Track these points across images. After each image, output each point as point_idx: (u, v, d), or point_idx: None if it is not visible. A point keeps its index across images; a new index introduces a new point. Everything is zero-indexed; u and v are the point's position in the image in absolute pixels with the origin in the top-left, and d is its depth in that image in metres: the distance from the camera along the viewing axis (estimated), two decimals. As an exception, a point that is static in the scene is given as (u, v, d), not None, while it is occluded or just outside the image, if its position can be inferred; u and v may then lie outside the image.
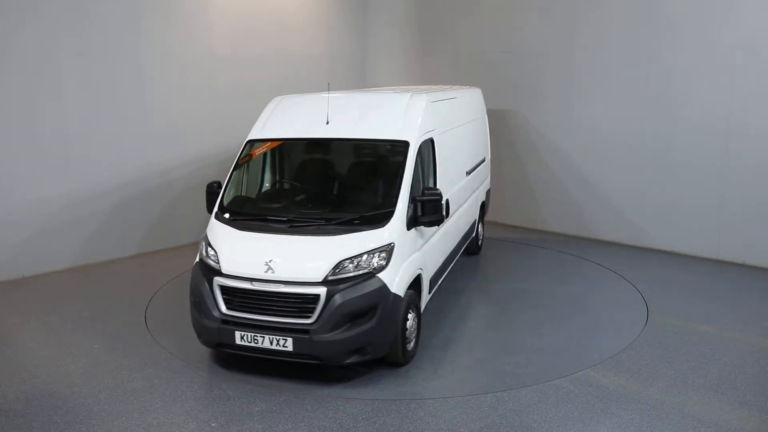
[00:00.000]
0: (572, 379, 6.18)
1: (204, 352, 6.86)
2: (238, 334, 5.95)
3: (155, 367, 6.55)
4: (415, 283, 6.54)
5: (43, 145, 9.37)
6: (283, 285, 5.86)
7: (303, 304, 5.84)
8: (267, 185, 7.44)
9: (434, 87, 10.14)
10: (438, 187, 7.10)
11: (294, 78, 12.03)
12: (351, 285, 5.80)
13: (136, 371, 6.45)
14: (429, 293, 7.18)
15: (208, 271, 6.23)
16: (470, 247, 9.95)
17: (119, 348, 7.00)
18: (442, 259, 7.65)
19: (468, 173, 9.03)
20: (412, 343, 6.47)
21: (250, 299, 5.99)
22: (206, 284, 6.18)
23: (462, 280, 9.07)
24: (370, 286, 5.82)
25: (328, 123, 7.00)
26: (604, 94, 10.80)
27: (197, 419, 5.54)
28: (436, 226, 6.91)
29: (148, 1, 10.23)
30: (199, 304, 6.22)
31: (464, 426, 5.38)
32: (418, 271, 6.54)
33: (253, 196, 7.28)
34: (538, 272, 9.53)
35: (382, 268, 5.93)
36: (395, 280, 5.98)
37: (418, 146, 6.73)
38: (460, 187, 8.47)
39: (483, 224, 10.55)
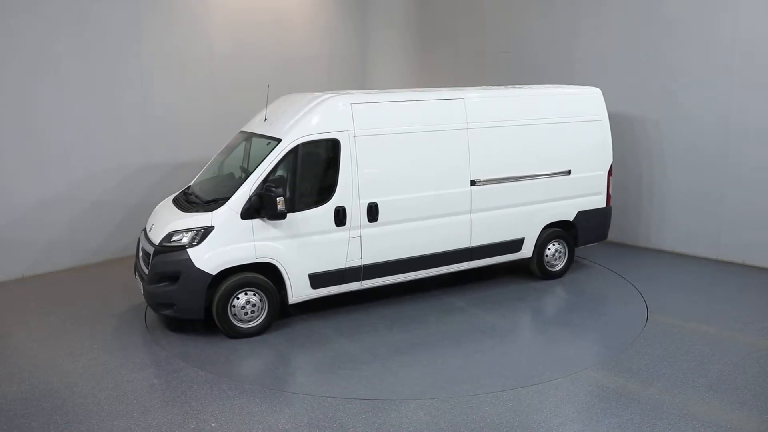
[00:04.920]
0: (572, 379, 6.18)
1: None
2: (137, 273, 7.74)
3: (155, 367, 6.56)
4: (273, 273, 7.27)
5: (42, 145, 9.37)
6: (147, 243, 7.42)
7: (148, 259, 7.32)
8: (211, 169, 8.37)
9: (544, 86, 9.55)
10: (340, 186, 7.37)
11: (294, 78, 12.03)
12: (167, 252, 7.04)
13: (136, 371, 6.45)
14: (315, 288, 7.47)
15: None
16: (532, 270, 9.01)
17: (119, 348, 7.01)
18: (359, 263, 7.60)
19: (478, 183, 8.21)
20: (252, 323, 7.22)
21: (141, 250, 7.71)
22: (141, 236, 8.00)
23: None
24: (175, 256, 6.98)
25: (265, 120, 7.93)
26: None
27: (197, 419, 5.54)
28: (341, 226, 7.42)
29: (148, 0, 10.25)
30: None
31: (464, 426, 5.38)
32: (263, 260, 7.13)
33: (203, 177, 8.30)
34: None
35: (194, 245, 6.95)
36: (203, 258, 6.93)
37: (292, 145, 7.23)
38: (440, 196, 7.97)
39: (568, 247, 9.14)
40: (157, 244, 7.16)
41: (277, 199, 6.84)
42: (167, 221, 7.37)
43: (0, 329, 7.59)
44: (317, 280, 7.45)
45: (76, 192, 9.80)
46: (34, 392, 6.03)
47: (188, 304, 7.01)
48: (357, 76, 13.69)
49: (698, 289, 8.71)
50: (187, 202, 7.71)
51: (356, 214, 7.49)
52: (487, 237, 8.43)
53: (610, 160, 9.28)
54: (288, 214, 7.10)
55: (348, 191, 7.43)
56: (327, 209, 7.35)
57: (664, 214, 10.41)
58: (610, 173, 9.29)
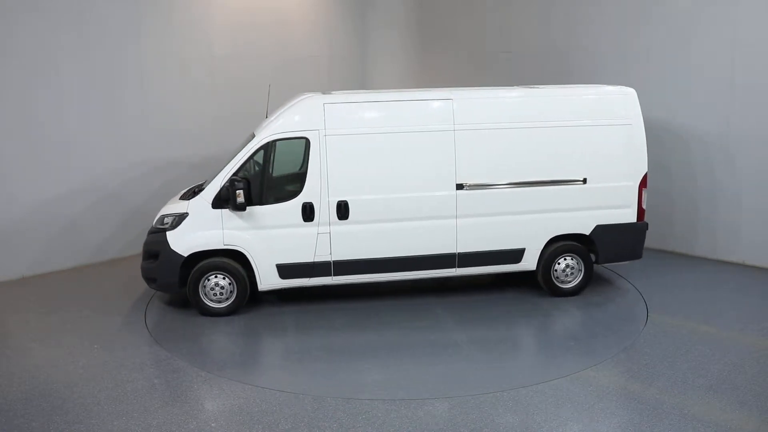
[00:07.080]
0: (572, 379, 6.18)
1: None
2: None
3: (155, 367, 6.56)
4: (243, 259, 7.79)
5: (43, 145, 9.38)
6: (152, 225, 8.18)
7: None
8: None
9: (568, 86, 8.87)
10: (308, 183, 7.65)
11: (294, 78, 12.03)
12: (155, 233, 7.88)
13: (136, 371, 6.45)
14: (284, 279, 7.83)
15: None
16: (540, 285, 8.35)
17: (119, 348, 7.01)
18: (328, 259, 7.78)
19: (465, 187, 7.85)
20: (221, 305, 7.83)
21: None
22: None
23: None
24: (157, 238, 7.82)
25: (266, 118, 8.23)
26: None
27: (197, 419, 5.54)
28: (309, 221, 7.70)
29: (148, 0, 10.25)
30: None
31: (464, 426, 5.38)
32: (231, 247, 7.68)
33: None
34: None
35: (172, 228, 7.70)
36: (177, 240, 7.67)
37: (263, 143, 7.70)
38: (420, 198, 7.79)
39: (584, 263, 8.28)
40: (153, 225, 8.06)
41: (237, 192, 7.42)
42: (165, 206, 8.22)
43: (0, 329, 7.59)
44: (285, 270, 7.81)
45: (76, 192, 9.81)
46: (34, 392, 6.03)
47: (165, 280, 7.81)
48: (357, 76, 13.70)
49: (698, 289, 8.70)
50: (191, 191, 8.26)
51: (325, 210, 7.70)
52: (477, 244, 8.00)
53: (643, 169, 8.18)
54: (258, 207, 7.63)
55: (317, 188, 7.69)
56: (295, 204, 7.68)
57: (663, 215, 10.40)
58: (643, 184, 8.22)
